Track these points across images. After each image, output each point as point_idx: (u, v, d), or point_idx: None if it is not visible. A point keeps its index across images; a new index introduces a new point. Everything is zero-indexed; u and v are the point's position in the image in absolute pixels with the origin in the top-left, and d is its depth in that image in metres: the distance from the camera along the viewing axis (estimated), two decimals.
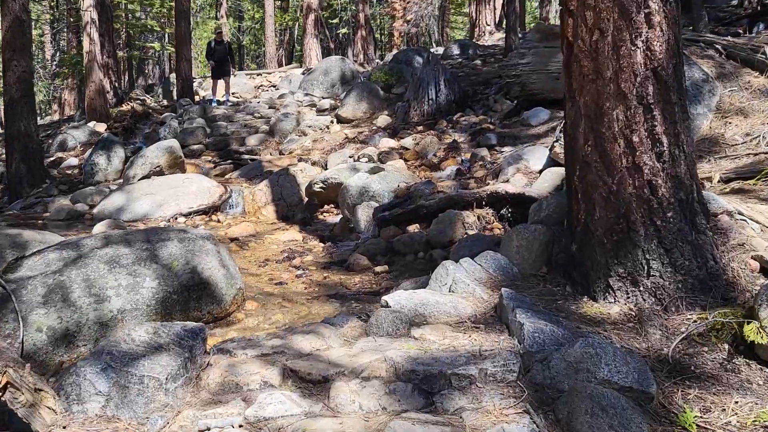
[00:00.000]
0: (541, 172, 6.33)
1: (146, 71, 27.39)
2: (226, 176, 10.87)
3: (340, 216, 7.64)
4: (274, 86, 21.90)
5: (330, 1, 27.62)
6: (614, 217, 3.25)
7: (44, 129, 19.06)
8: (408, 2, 28.05)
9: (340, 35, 28.03)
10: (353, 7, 26.27)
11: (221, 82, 16.21)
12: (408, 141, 9.14)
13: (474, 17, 24.03)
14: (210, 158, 12.51)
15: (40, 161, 10.69)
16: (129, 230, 4.54)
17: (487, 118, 10.39)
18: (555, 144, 5.92)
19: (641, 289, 3.16)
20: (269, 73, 24.97)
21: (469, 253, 4.66)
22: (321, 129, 12.69)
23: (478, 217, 5.87)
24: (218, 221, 8.12)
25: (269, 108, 15.45)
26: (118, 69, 19.44)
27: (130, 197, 8.42)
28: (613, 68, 3.22)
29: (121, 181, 9.75)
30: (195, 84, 22.71)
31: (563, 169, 5.94)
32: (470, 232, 5.71)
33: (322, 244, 6.63)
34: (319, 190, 8.35)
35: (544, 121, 8.86)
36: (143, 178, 9.21)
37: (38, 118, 26.71)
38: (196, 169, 11.40)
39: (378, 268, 5.33)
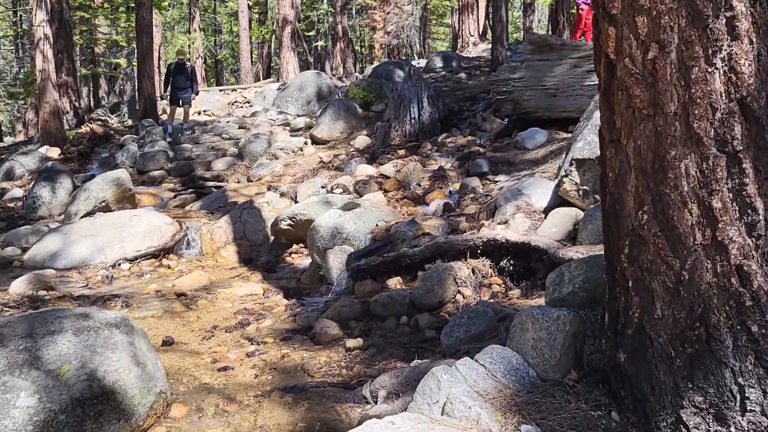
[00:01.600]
0: (546, 211, 5.28)
1: (117, 89, 26.17)
2: (187, 207, 9.75)
3: (310, 260, 6.55)
4: (249, 102, 20.84)
5: (307, 12, 26.61)
6: (685, 319, 2.20)
7: (1, 152, 17.81)
8: (388, 13, 27.15)
9: (319, 48, 27.02)
10: (331, 19, 25.28)
11: (180, 110, 14.05)
12: (388, 168, 8.09)
13: (457, 28, 23.15)
14: (172, 185, 11.38)
15: None
16: (7, 320, 3.42)
17: (475, 139, 9.38)
18: (564, 180, 4.88)
19: (733, 430, 2.11)
20: (244, 89, 23.92)
21: (465, 334, 3.60)
22: (294, 151, 11.61)
23: (473, 270, 4.82)
24: (169, 267, 6.99)
25: (239, 128, 14.37)
26: (78, 88, 18.22)
27: (68, 240, 7.26)
28: (679, 99, 2.17)
29: (63, 218, 8.58)
30: (163, 102, 21.60)
31: (574, 210, 4.91)
32: (464, 291, 4.66)
33: (285, 301, 5.52)
34: (286, 227, 7.26)
35: (542, 144, 7.85)
36: (87, 215, 8.06)
37: (1, 139, 25.38)
38: (154, 199, 10.28)
39: (350, 342, 4.24)
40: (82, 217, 8.03)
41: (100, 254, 7.10)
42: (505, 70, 9.22)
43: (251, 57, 34.02)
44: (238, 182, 10.97)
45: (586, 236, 4.38)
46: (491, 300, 4.58)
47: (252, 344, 4.42)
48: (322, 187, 8.11)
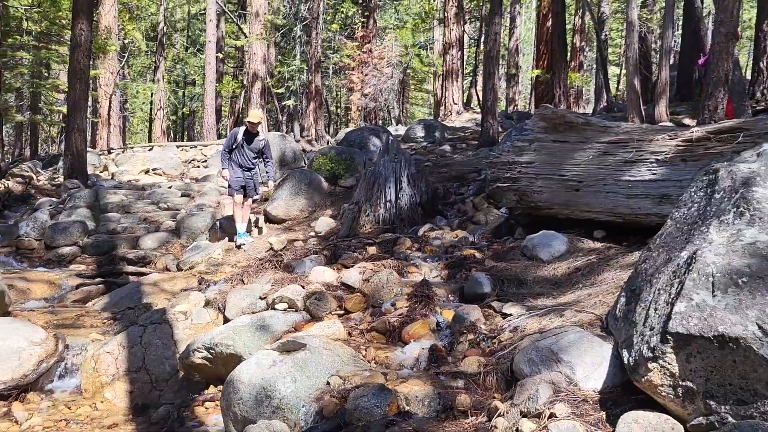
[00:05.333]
0: (604, 400, 3.19)
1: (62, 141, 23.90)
2: (89, 304, 7.49)
3: (224, 429, 4.31)
4: (206, 162, 18.84)
5: (279, 68, 24.95)
6: None
7: None
8: (366, 75, 25.72)
9: (290, 107, 25.26)
10: (303, 77, 23.60)
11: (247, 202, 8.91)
12: (353, 274, 5.96)
13: (439, 95, 21.62)
14: (83, 267, 9.12)
15: None
16: None
17: (467, 235, 7.37)
18: (650, 365, 2.80)
19: None
20: (205, 146, 21.92)
21: None
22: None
23: None
24: (16, 421, 4.66)
25: (182, 195, 12.18)
26: (2, 137, 15.94)
27: None
28: None
29: None
30: (111, 156, 19.44)
31: (667, 421, 2.78)
32: None
33: None
34: (201, 362, 5.06)
35: (560, 255, 5.84)
36: None
37: None
38: (51, 288, 8.01)
39: None
40: None
41: None
42: (509, 150, 7.30)
43: (220, 112, 32.21)
44: (166, 269, 8.75)
45: None
46: None
47: None
48: (261, 299, 5.92)
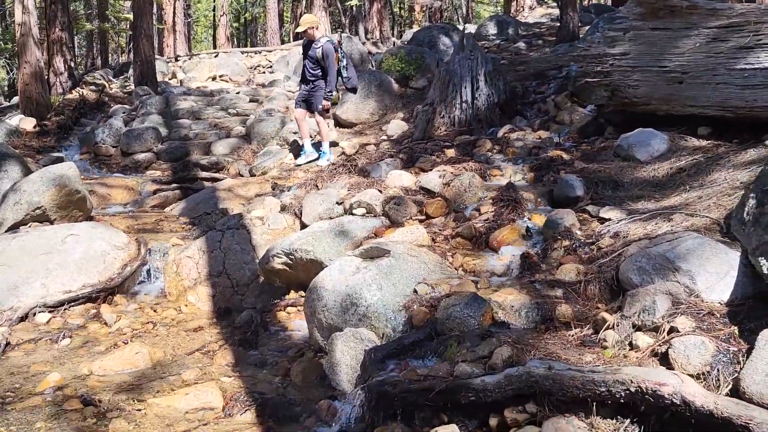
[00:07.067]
0: (733, 312, 2.85)
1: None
2: (167, 209, 7.54)
3: (309, 335, 4.22)
4: (272, 67, 18.56)
5: None
6: None
7: None
8: None
9: (353, 8, 24.32)
10: None
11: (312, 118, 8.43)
12: (432, 178, 5.66)
13: None
14: (159, 173, 9.17)
15: None
16: None
17: (551, 136, 6.91)
18: None
19: None
20: (270, 51, 21.56)
21: None
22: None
23: None
24: (105, 323, 4.73)
25: (251, 101, 11.99)
26: (74, 45, 16.01)
27: None
28: None
29: None
30: (178, 63, 19.38)
31: None
32: None
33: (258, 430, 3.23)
34: (281, 267, 4.96)
35: (661, 155, 5.34)
36: (16, 225, 5.84)
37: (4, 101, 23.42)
38: (131, 193, 8.09)
39: None
40: (8, 230, 5.81)
41: (11, 295, 4.89)
42: (599, 41, 6.66)
43: (282, 17, 31.50)
44: (239, 174, 8.69)
45: None
46: None
47: None
48: (338, 204, 5.73)
